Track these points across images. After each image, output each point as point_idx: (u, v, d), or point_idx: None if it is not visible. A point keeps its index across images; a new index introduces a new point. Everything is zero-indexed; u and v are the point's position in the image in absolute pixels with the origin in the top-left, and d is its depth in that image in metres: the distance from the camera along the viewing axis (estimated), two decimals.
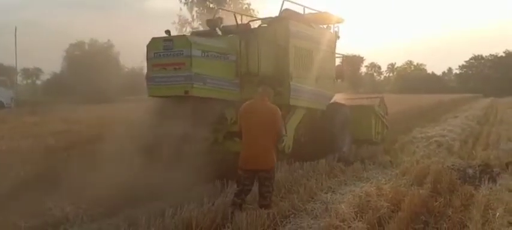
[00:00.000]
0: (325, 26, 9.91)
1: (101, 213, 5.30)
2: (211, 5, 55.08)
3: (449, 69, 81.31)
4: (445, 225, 4.86)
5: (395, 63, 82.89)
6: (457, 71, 78.15)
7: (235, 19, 7.97)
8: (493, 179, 7.06)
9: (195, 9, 55.16)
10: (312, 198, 5.87)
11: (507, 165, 7.98)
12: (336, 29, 9.68)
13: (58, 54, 41.36)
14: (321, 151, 8.44)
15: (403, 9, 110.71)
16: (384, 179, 6.94)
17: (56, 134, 10.08)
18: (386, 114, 11.84)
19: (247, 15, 9.01)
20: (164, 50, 6.89)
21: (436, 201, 5.71)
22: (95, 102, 23.11)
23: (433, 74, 77.47)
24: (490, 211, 5.26)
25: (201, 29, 54.18)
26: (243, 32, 7.68)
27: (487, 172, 7.63)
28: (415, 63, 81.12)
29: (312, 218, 5.03)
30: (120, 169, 6.09)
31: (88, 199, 5.57)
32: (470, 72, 74.88)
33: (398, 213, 5.03)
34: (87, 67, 33.22)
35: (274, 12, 8.95)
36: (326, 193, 6.17)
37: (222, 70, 7.22)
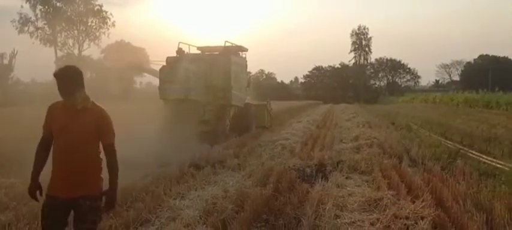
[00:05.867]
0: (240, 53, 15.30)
1: None
2: (58, 4, 50.56)
3: (296, 78, 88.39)
4: (282, 221, 5.23)
5: (250, 72, 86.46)
6: (302, 80, 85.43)
7: (189, 48, 14.02)
8: (325, 177, 7.85)
9: (39, 7, 50.03)
10: (160, 205, 5.78)
11: (338, 163, 9.01)
12: (244, 55, 15.35)
13: None
14: (239, 131, 14.09)
15: (254, 17, 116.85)
16: (231, 182, 7.17)
17: None
18: (271, 109, 18.80)
19: (196, 47, 14.49)
20: (170, 71, 12.59)
21: (277, 200, 6.14)
22: None
23: (282, 82, 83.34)
24: (321, 205, 5.84)
25: (46, 28, 49.08)
26: (208, 59, 13.65)
27: (321, 171, 8.47)
28: (266, 72, 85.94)
29: (156, 227, 4.94)
30: None
31: None
32: (312, 81, 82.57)
33: (242, 214, 5.26)
34: None
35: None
36: (175, 199, 6.13)
37: (199, 84, 12.89)
